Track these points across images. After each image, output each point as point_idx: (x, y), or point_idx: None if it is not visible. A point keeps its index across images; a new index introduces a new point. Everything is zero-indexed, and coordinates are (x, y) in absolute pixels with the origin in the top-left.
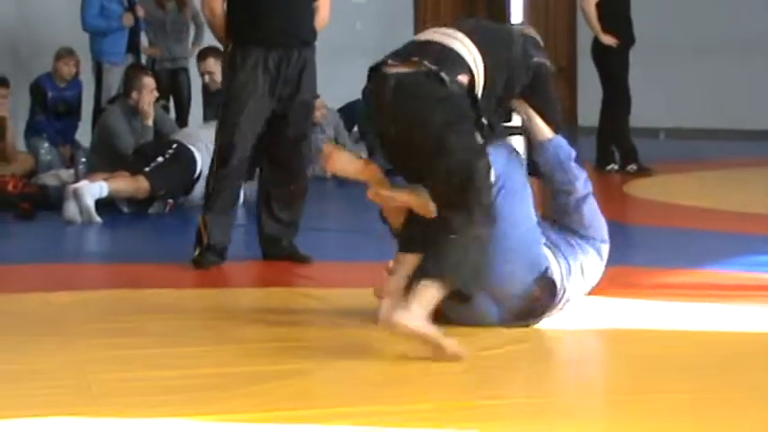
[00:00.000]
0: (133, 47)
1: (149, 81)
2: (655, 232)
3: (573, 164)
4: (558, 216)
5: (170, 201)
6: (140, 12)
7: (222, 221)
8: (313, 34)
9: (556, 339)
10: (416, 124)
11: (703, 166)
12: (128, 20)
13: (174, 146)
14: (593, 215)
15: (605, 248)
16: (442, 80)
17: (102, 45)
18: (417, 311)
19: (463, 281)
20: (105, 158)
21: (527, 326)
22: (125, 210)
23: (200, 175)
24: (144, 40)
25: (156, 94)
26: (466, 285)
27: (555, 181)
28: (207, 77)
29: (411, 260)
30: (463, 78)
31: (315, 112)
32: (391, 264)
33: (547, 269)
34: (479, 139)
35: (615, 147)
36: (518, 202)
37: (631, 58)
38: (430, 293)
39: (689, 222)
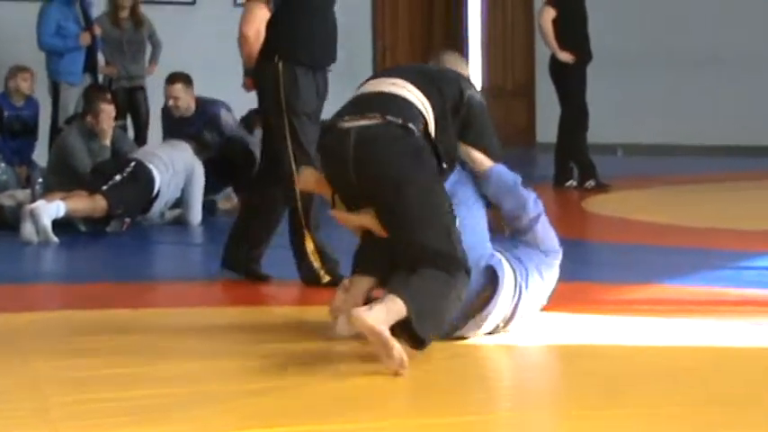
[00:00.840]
0: (90, 66)
1: (109, 108)
2: (613, 248)
3: (520, 188)
4: (514, 235)
5: (127, 220)
6: (97, 31)
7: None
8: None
9: (511, 354)
10: (382, 177)
11: (661, 181)
12: (85, 39)
13: (133, 164)
14: (546, 233)
15: (557, 259)
16: (406, 130)
17: (59, 65)
18: (379, 313)
19: (423, 325)
20: (62, 178)
21: (478, 331)
22: (82, 229)
23: (158, 193)
24: (101, 59)
25: (112, 120)
26: (423, 330)
27: (505, 209)
28: (171, 101)
29: (365, 281)
30: (420, 125)
31: None
32: (347, 282)
33: (496, 270)
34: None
35: (573, 163)
36: (466, 211)
37: (589, 75)
38: (396, 307)
39: (646, 238)
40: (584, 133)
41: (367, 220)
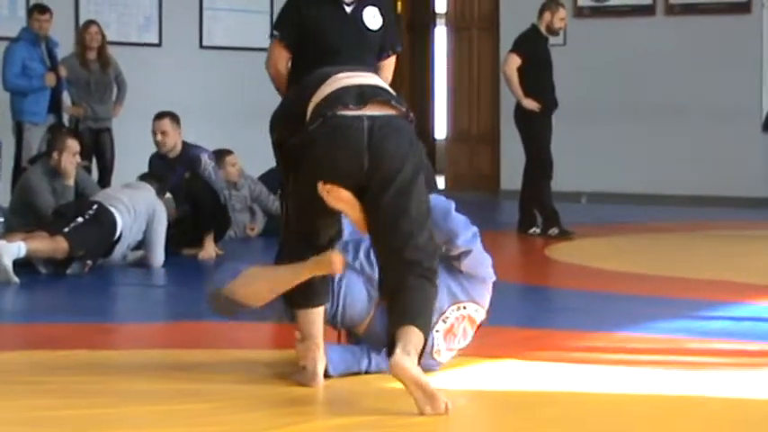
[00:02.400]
0: (55, 107)
1: (73, 143)
2: (575, 295)
3: (449, 222)
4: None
5: (89, 262)
6: (63, 71)
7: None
8: None
9: (471, 400)
10: (394, 165)
11: (624, 229)
12: (50, 80)
13: (95, 207)
14: (477, 266)
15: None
16: (409, 120)
17: (23, 104)
18: (414, 357)
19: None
20: (24, 218)
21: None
22: (43, 270)
23: (120, 237)
24: (66, 99)
25: (78, 157)
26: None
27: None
28: (159, 137)
29: (315, 326)
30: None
31: (230, 169)
32: (297, 334)
33: None
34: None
35: (537, 210)
36: None
37: (554, 123)
38: (417, 339)
39: (609, 286)
40: (549, 181)
41: (353, 208)
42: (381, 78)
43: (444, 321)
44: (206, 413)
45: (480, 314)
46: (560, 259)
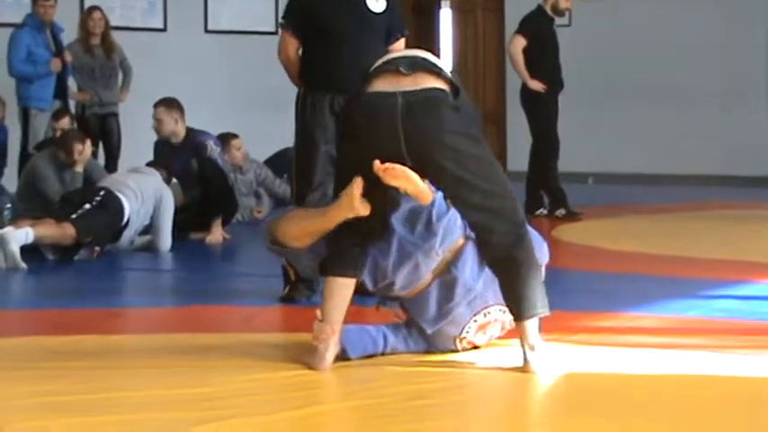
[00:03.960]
0: (60, 92)
1: (81, 149)
2: (582, 276)
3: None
4: None
5: (96, 248)
6: (68, 57)
7: (305, 258)
8: None
9: (484, 382)
10: (434, 144)
11: (632, 210)
12: (56, 66)
13: (102, 193)
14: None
15: None
16: (452, 92)
17: (29, 90)
18: (543, 349)
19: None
20: (31, 204)
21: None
22: (50, 256)
23: (127, 222)
24: (72, 85)
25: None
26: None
27: None
28: (155, 123)
29: (338, 311)
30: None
31: (235, 153)
32: (318, 313)
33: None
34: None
35: (544, 192)
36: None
37: (560, 104)
38: (533, 327)
39: (616, 266)
40: (555, 162)
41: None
42: None
43: (485, 315)
44: (215, 396)
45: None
46: (568, 240)
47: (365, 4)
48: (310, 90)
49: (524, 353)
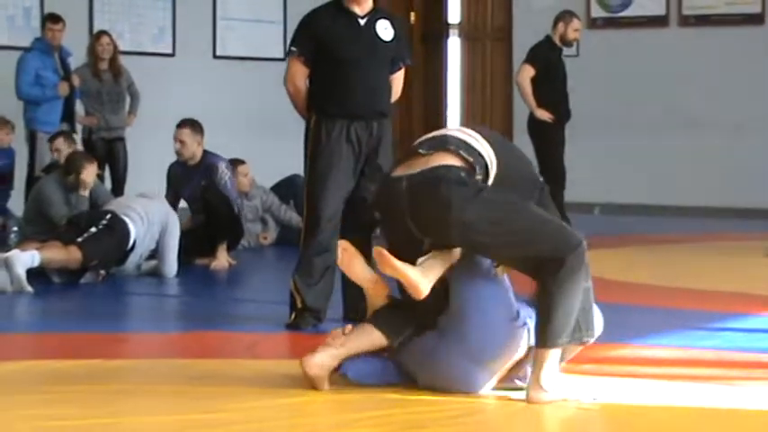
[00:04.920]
0: (68, 116)
1: (92, 167)
2: None
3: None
4: None
5: (102, 271)
6: (76, 81)
7: (314, 285)
8: (390, 107)
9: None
10: (441, 222)
11: (638, 241)
12: (63, 89)
13: (108, 216)
14: None
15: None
16: (456, 169)
17: (37, 113)
18: (546, 382)
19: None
20: (38, 227)
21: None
22: (56, 280)
23: (133, 245)
24: (80, 109)
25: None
26: (586, 330)
27: None
28: (178, 145)
29: (369, 338)
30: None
31: (242, 179)
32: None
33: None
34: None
35: None
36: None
37: (567, 134)
38: (548, 357)
39: (622, 297)
40: (562, 191)
41: (408, 273)
42: (393, 90)
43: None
44: (218, 423)
45: None
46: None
47: (375, 32)
48: (323, 118)
49: (529, 383)
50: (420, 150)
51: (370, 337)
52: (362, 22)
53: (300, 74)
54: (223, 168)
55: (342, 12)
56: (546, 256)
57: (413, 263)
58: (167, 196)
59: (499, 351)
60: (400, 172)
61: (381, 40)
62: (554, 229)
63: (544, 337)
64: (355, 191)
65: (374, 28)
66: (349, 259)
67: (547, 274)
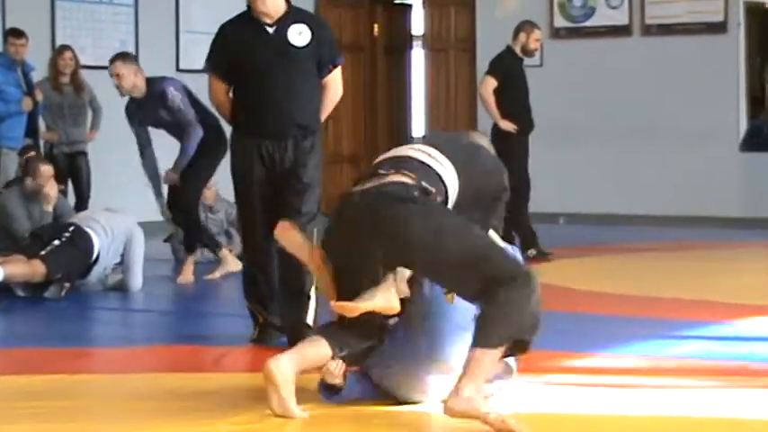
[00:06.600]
0: (32, 131)
1: (46, 168)
2: (553, 316)
3: None
4: None
5: (67, 285)
6: (39, 96)
7: (268, 299)
8: (314, 117)
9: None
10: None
11: (602, 251)
12: (27, 105)
13: (71, 229)
14: None
15: None
16: (412, 188)
17: (0, 129)
18: (469, 391)
19: (523, 331)
20: (1, 242)
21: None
22: (20, 293)
23: (97, 257)
24: (42, 124)
25: (54, 183)
26: (526, 334)
27: None
28: (115, 81)
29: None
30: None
31: (206, 192)
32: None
33: None
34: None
35: (515, 232)
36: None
37: (531, 144)
38: (480, 364)
39: (587, 307)
40: (526, 202)
41: (373, 303)
42: (330, 92)
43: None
44: None
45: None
46: (538, 280)
47: (286, 38)
48: (236, 135)
49: (451, 390)
50: (380, 171)
51: (318, 347)
52: (271, 30)
53: (219, 89)
54: (172, 92)
55: (252, 21)
56: (495, 274)
57: (362, 278)
58: (137, 135)
59: (450, 351)
60: (357, 188)
61: (294, 46)
62: (504, 252)
63: (479, 336)
64: (281, 207)
65: (285, 35)
66: (283, 229)
67: (496, 285)
